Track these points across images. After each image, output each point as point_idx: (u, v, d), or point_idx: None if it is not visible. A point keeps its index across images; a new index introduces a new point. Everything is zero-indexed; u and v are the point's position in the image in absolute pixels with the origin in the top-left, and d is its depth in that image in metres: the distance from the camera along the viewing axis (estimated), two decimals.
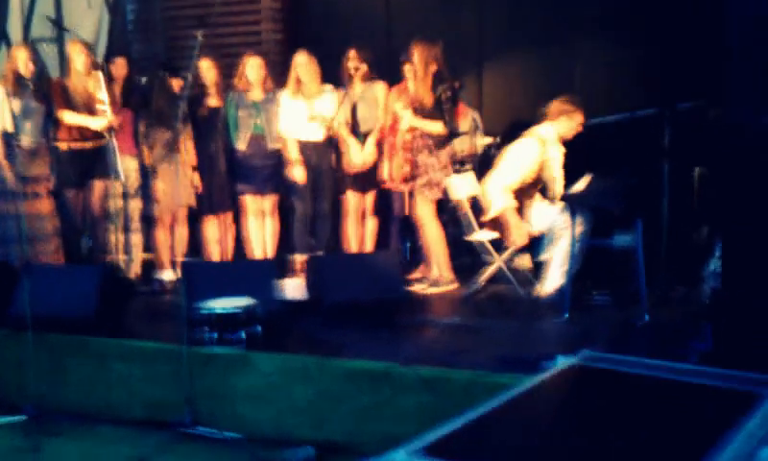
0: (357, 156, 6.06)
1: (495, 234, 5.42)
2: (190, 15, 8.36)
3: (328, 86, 6.09)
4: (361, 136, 6.08)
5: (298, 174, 6.03)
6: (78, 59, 5.77)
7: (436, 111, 5.71)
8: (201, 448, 4.16)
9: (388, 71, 6.09)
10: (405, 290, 5.06)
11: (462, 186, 5.56)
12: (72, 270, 5.16)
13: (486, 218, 5.44)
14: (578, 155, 5.40)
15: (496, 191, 5.29)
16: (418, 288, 5.82)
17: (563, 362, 2.95)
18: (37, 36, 7.62)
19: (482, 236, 5.43)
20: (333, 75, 6.13)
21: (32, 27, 7.79)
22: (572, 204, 4.90)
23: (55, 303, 4.68)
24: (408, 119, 5.70)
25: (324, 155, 6.09)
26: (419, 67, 5.71)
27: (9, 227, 5.52)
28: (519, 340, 4.53)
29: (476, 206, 5.54)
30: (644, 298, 4.72)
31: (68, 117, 5.73)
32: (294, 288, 5.33)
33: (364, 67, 6.01)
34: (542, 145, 5.33)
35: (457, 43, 7.45)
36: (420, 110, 5.70)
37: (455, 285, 5.77)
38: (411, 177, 5.80)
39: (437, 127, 5.70)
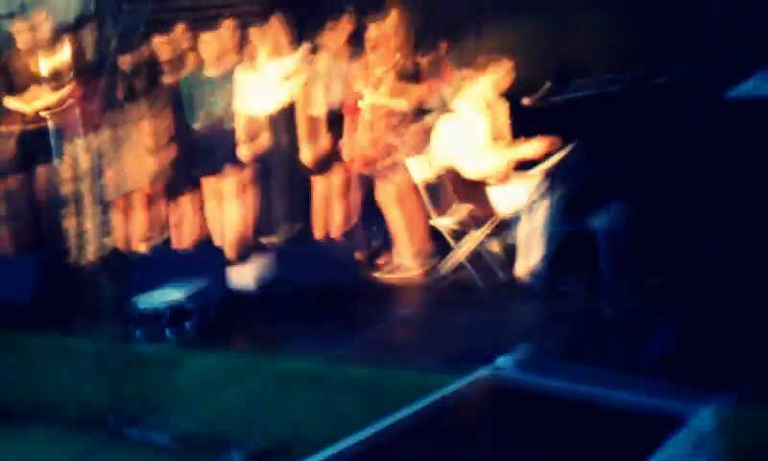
0: (307, 156, 5.75)
1: (452, 220, 5.08)
2: None
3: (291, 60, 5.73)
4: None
5: (243, 153, 5.72)
6: (20, 37, 5.47)
7: (407, 82, 5.37)
8: (128, 452, 3.90)
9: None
10: (361, 278, 4.75)
11: (418, 168, 5.21)
12: (9, 257, 4.88)
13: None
14: (556, 129, 5.03)
15: (475, 156, 4.91)
16: (380, 274, 5.51)
17: (488, 367, 2.67)
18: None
19: (440, 222, 5.10)
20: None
21: None
22: (540, 179, 4.54)
23: None
24: (369, 97, 5.34)
25: (280, 132, 5.74)
26: (396, 32, 5.34)
27: None
28: (474, 333, 4.22)
29: (435, 189, 5.19)
30: (609, 288, 4.37)
31: (7, 101, 5.45)
32: (245, 276, 5.02)
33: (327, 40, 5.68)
34: (463, 121, 4.98)
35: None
36: (386, 84, 5.34)
37: (417, 272, 5.45)
38: (374, 159, 5.45)
39: (401, 103, 5.35)
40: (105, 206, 6.01)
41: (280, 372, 3.75)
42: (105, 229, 6.12)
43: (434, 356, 3.76)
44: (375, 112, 5.37)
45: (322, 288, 4.62)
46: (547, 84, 5.06)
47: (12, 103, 5.49)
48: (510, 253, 5.38)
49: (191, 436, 3.87)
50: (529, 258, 4.88)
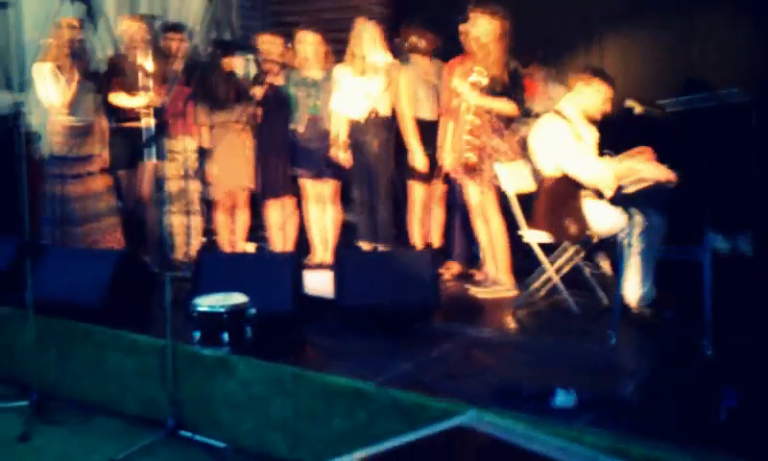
0: (420, 160, 5.54)
1: (546, 236, 4.69)
2: None
3: (389, 60, 5.54)
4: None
5: (342, 157, 5.57)
6: (128, 35, 5.63)
7: (507, 89, 5.06)
8: (182, 453, 3.87)
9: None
10: (437, 297, 4.48)
11: (511, 178, 4.86)
12: (89, 255, 5.00)
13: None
14: (653, 144, 4.57)
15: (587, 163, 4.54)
16: (473, 290, 5.22)
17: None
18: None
19: (531, 237, 4.72)
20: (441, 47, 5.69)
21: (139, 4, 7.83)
22: (622, 203, 4.09)
23: (67, 288, 4.55)
24: (473, 98, 5.04)
25: (380, 136, 5.55)
26: (490, 38, 5.04)
27: (54, 208, 5.49)
28: (543, 365, 3.85)
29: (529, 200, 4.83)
30: (708, 327, 3.87)
31: (112, 97, 5.63)
32: (320, 283, 4.88)
33: (423, 43, 5.47)
34: (569, 123, 4.57)
35: (575, 12, 6.80)
36: (488, 88, 5.05)
37: (512, 289, 5.10)
38: (476, 164, 5.14)
39: (508, 106, 5.03)
40: (207, 205, 6.10)
41: (327, 387, 3.57)
42: (206, 227, 6.24)
43: (498, 388, 3.44)
44: (479, 115, 5.08)
45: (394, 301, 4.39)
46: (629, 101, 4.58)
47: (119, 100, 5.63)
48: (606, 276, 4.97)
49: (239, 444, 3.80)
50: (633, 284, 4.44)
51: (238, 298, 4.08)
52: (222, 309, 3.97)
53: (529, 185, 4.85)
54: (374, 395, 3.45)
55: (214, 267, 4.56)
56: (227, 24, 8.34)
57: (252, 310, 4.04)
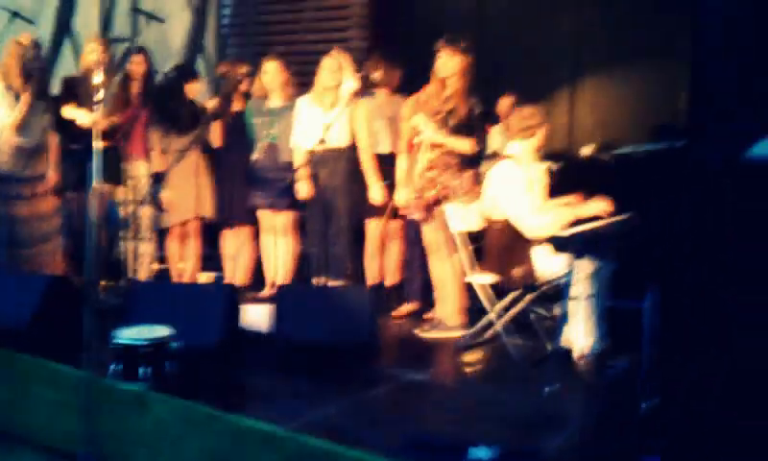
0: (377, 194, 5.43)
1: (493, 277, 4.54)
2: (283, 20, 8.24)
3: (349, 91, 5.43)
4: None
5: (302, 188, 5.46)
6: (88, 55, 5.53)
7: (465, 127, 4.95)
8: None
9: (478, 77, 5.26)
10: (374, 336, 4.33)
11: (460, 217, 4.73)
12: (19, 278, 4.85)
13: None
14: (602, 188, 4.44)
15: (535, 209, 4.41)
16: (420, 331, 5.06)
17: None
18: (117, 35, 7.57)
19: (477, 279, 4.58)
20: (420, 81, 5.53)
21: (113, 24, 7.79)
22: (560, 248, 3.94)
23: None
24: (431, 134, 4.93)
25: (338, 168, 5.43)
26: (450, 73, 4.94)
27: (1, 228, 5.36)
28: (472, 414, 3.69)
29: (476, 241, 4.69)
30: (643, 380, 3.71)
31: (64, 110, 5.51)
32: (261, 317, 4.73)
33: (382, 76, 5.37)
34: (523, 169, 4.47)
35: (551, 52, 6.82)
36: (445, 124, 4.94)
37: (460, 331, 4.94)
38: (432, 201, 5.01)
39: (465, 144, 4.91)
40: (159, 233, 5.98)
41: (239, 429, 3.42)
42: (157, 255, 6.11)
43: (414, 438, 3.28)
44: (434, 152, 4.96)
45: (331, 338, 4.25)
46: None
47: (69, 112, 5.50)
48: (550, 322, 4.81)
49: None
50: (578, 332, 4.29)
51: (161, 331, 3.93)
52: (140, 342, 3.82)
53: (477, 225, 4.71)
54: (284, 440, 3.29)
55: (145, 297, 4.42)
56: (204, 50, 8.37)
57: (175, 344, 3.89)
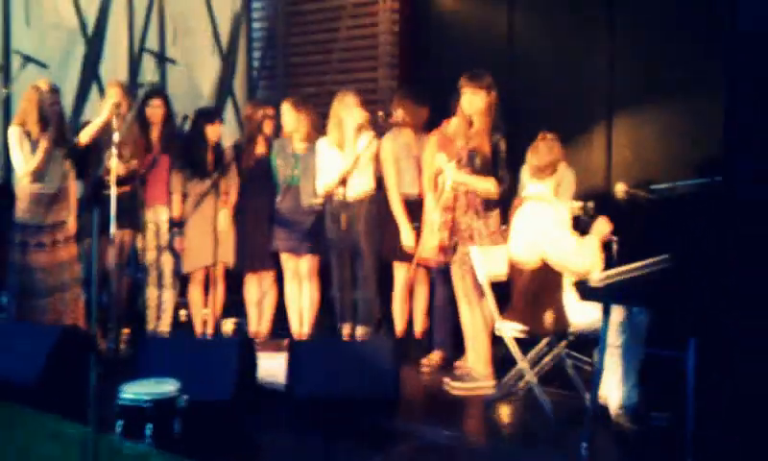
0: (407, 237, 5.23)
1: (523, 326, 4.26)
2: (312, 62, 8.16)
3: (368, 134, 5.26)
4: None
5: (329, 233, 5.29)
6: (108, 100, 5.42)
7: (489, 166, 4.72)
8: None
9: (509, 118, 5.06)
10: (396, 391, 4.06)
11: (485, 262, 4.46)
12: (29, 330, 4.70)
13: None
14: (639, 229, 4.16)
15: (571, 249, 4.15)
16: (448, 384, 4.77)
17: None
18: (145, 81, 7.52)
19: (505, 329, 4.29)
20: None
21: (141, 70, 7.75)
22: (587, 296, 3.64)
23: (3, 364, 4.26)
24: (452, 174, 4.71)
25: (362, 211, 5.26)
26: (478, 111, 4.73)
27: (16, 278, 5.24)
28: None
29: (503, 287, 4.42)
30: (690, 442, 3.38)
31: (81, 135, 5.40)
32: (276, 370, 4.49)
33: (405, 115, 5.19)
34: (554, 209, 4.22)
35: (585, 89, 6.57)
36: (470, 163, 4.72)
37: (491, 383, 4.65)
38: (453, 245, 4.78)
39: (487, 184, 4.68)
40: (182, 280, 5.82)
41: None
42: (180, 302, 5.95)
43: None
44: (456, 192, 4.73)
45: (349, 394, 4.00)
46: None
47: (85, 132, 5.39)
48: (589, 371, 4.51)
49: None
50: (612, 385, 3.99)
51: (168, 386, 3.73)
52: (146, 399, 3.62)
53: (503, 270, 4.44)
54: None
55: (155, 351, 4.24)
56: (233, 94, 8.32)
57: (183, 401, 3.68)
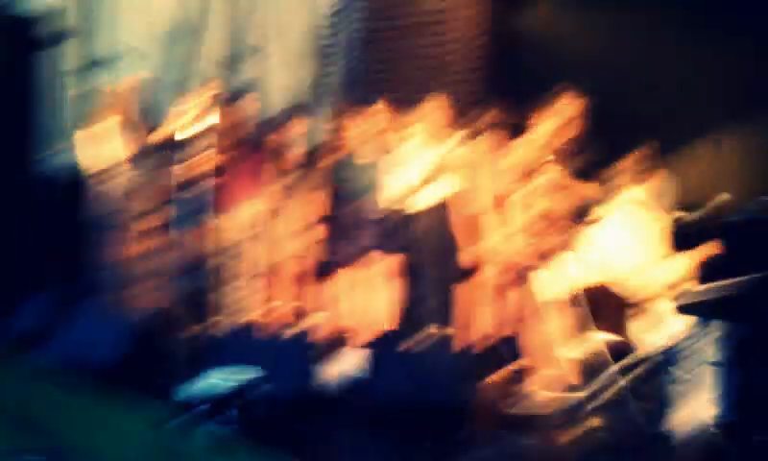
0: (480, 248, 5.14)
1: (601, 341, 4.12)
2: (396, 72, 8.13)
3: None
4: None
5: (393, 240, 5.32)
6: (200, 96, 5.54)
7: (572, 178, 4.62)
8: None
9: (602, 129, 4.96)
10: (473, 397, 3.99)
11: (570, 274, 4.33)
12: (118, 314, 4.83)
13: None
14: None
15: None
16: (530, 392, 4.66)
17: None
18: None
19: (593, 340, 4.16)
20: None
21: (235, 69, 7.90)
22: (685, 310, 3.49)
23: (92, 347, 4.40)
24: (536, 187, 4.62)
25: (440, 218, 5.23)
26: (568, 121, 4.63)
27: (111, 266, 5.40)
28: None
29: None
30: None
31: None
32: (350, 368, 4.48)
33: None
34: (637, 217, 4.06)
35: (686, 99, 6.32)
36: (559, 173, 4.62)
37: (575, 393, 4.50)
38: (534, 258, 4.67)
39: (559, 202, 4.59)
40: (254, 278, 5.88)
41: None
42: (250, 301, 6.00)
43: None
44: (531, 210, 4.63)
45: (424, 398, 3.95)
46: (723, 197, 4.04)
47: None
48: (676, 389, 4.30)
49: None
50: (711, 400, 3.80)
51: (248, 374, 3.76)
52: (229, 385, 3.66)
53: (581, 284, 4.31)
54: None
55: (238, 341, 4.30)
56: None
57: (260, 390, 3.71)
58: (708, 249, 4.05)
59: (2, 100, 5.60)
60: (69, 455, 3.92)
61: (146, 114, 5.38)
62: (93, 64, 6.62)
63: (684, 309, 3.46)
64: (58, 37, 5.98)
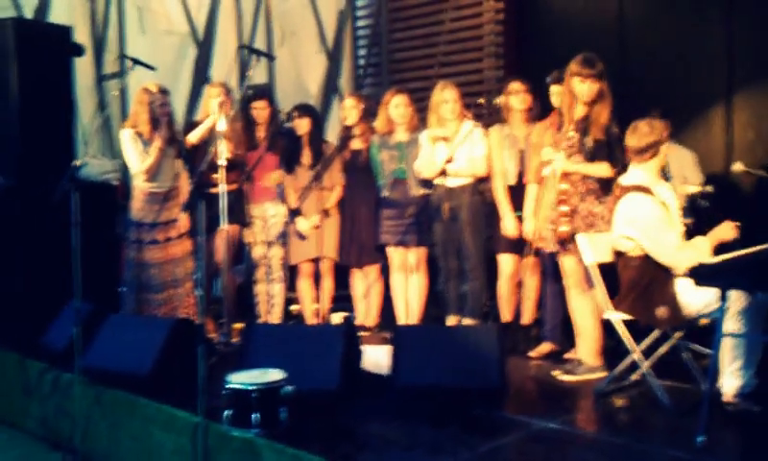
0: (511, 226, 5.13)
1: (628, 316, 4.08)
2: (416, 56, 8.17)
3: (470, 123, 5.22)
4: None
5: (433, 223, 5.30)
6: (211, 100, 5.57)
7: (602, 151, 4.55)
8: None
9: (621, 107, 4.79)
10: (502, 380, 3.98)
11: (593, 247, 4.30)
12: (144, 323, 4.87)
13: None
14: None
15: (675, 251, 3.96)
16: (557, 374, 4.64)
17: None
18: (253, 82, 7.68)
19: (616, 317, 4.12)
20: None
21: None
22: (703, 280, 3.44)
23: (119, 356, 4.44)
24: (562, 164, 4.56)
25: (466, 202, 5.23)
26: (588, 98, 4.56)
27: (131, 274, 5.45)
28: None
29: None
30: None
31: (189, 137, 5.58)
32: (380, 359, 4.49)
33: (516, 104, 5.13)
34: (654, 198, 4.02)
35: (701, 68, 6.30)
36: (581, 150, 4.56)
37: (602, 374, 4.48)
38: (570, 233, 4.60)
39: (601, 169, 4.52)
40: (291, 274, 5.91)
41: None
42: (289, 296, 6.04)
43: None
44: (569, 182, 4.57)
45: (454, 383, 3.96)
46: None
47: (193, 134, 5.59)
48: (706, 361, 4.26)
49: None
50: (729, 372, 3.77)
51: (274, 375, 3.77)
52: (252, 387, 3.67)
53: (609, 256, 4.27)
54: None
55: (262, 340, 4.30)
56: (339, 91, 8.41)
57: (289, 389, 3.71)
58: (726, 219, 3.99)
59: (34, 109, 5.68)
60: None
61: (160, 123, 5.39)
62: (114, 75, 6.76)
63: (702, 280, 3.42)
64: (79, 48, 6.07)
